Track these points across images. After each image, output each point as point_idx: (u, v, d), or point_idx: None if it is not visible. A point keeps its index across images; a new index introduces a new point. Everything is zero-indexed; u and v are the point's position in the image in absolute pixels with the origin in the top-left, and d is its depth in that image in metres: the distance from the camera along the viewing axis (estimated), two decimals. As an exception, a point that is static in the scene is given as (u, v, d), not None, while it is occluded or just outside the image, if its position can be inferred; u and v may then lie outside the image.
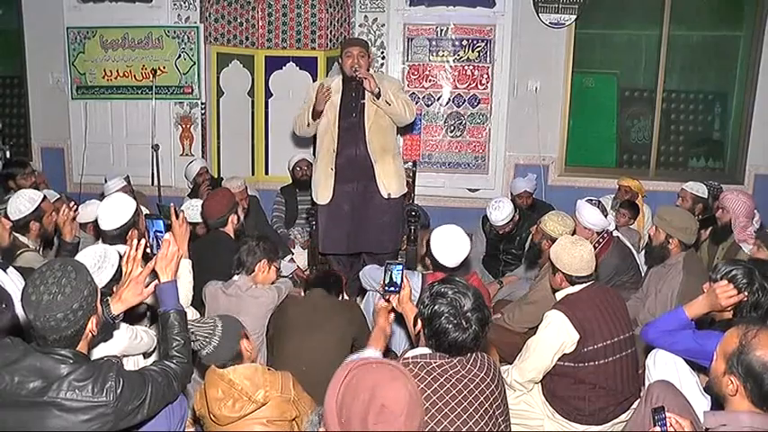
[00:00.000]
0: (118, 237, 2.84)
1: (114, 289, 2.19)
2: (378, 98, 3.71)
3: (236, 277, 2.94)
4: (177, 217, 2.88)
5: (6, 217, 3.09)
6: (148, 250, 2.34)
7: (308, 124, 3.89)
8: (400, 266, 2.50)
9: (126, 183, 4.78)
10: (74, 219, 3.34)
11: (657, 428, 1.74)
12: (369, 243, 3.99)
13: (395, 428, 1.27)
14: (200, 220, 3.72)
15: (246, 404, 2.10)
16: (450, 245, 3.01)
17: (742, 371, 1.67)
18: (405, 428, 1.28)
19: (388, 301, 2.52)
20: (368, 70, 3.80)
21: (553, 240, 2.99)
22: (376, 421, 1.27)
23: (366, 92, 3.75)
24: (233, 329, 2.21)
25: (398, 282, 2.47)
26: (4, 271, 2.42)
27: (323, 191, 3.93)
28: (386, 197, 3.90)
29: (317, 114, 3.82)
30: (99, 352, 2.16)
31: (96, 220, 3.06)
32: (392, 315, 2.51)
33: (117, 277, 2.31)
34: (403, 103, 3.81)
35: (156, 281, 2.09)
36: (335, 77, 4.03)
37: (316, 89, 3.84)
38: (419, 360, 1.92)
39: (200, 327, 2.14)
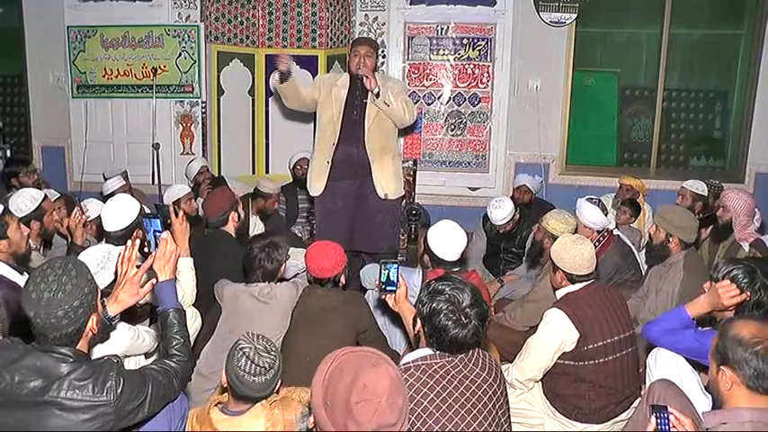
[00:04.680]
0: (122, 237, 2.82)
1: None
2: (377, 98, 3.72)
3: (259, 283, 2.87)
4: (177, 215, 2.88)
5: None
6: (146, 249, 2.34)
7: (280, 90, 3.91)
8: (396, 265, 2.49)
9: (124, 180, 4.78)
10: (85, 223, 3.35)
11: (655, 426, 1.74)
12: (363, 242, 4.00)
13: (377, 408, 1.30)
14: None
15: None
16: (447, 238, 3.03)
17: (724, 355, 1.72)
18: (387, 408, 1.31)
19: (385, 300, 2.52)
20: (374, 70, 3.84)
21: (555, 239, 2.99)
22: (358, 400, 1.30)
23: (369, 92, 3.77)
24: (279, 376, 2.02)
25: (395, 281, 2.47)
26: (21, 274, 2.47)
27: (316, 182, 3.96)
28: (382, 197, 3.91)
29: (284, 78, 3.80)
30: (101, 351, 2.16)
31: (98, 220, 3.05)
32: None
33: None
34: (403, 104, 3.82)
35: (154, 280, 2.09)
36: (343, 74, 4.07)
37: (320, 81, 4.02)
38: (420, 363, 1.91)
39: (265, 356, 1.93)
